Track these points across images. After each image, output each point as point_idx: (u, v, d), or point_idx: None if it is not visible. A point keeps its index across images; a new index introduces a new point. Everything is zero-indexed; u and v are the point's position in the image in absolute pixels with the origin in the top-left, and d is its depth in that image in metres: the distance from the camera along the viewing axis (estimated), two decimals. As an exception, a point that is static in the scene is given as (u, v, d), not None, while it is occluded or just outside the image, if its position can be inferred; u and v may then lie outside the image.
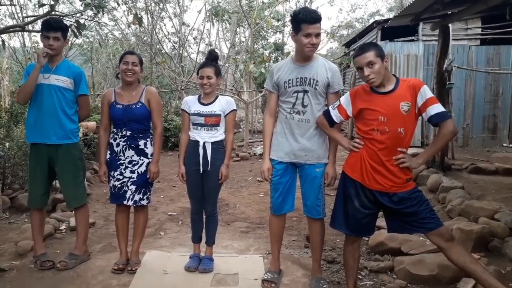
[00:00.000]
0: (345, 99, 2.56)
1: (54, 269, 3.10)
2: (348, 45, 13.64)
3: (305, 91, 2.75)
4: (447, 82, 6.19)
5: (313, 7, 16.43)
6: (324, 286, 2.82)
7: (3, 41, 4.99)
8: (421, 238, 3.52)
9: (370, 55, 2.36)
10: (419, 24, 8.69)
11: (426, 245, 3.31)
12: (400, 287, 2.88)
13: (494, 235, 3.35)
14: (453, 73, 6.67)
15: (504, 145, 8.91)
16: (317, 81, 2.73)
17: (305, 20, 2.62)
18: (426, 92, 2.34)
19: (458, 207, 3.99)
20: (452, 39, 7.02)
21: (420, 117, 2.44)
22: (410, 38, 9.15)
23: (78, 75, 3.18)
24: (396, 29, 8.53)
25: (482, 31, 9.25)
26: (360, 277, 3.04)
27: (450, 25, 6.07)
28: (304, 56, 2.75)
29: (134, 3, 10.41)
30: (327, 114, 2.63)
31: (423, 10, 5.37)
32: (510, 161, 6.60)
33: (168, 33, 12.20)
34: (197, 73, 3.14)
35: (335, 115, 2.58)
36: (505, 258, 3.16)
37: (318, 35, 2.68)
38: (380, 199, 2.42)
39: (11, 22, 8.93)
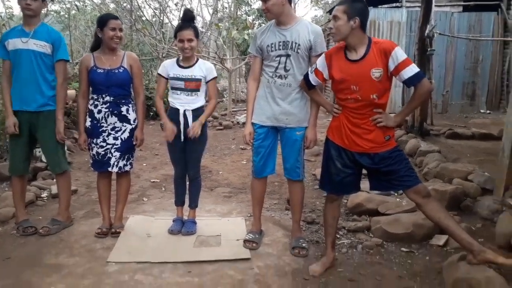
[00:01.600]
0: (320, 62, 2.56)
1: (36, 234, 3.13)
2: (331, 11, 13.47)
3: (288, 55, 2.75)
4: (428, 49, 6.22)
5: (297, -28, 16.09)
6: (304, 244, 2.92)
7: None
8: (397, 199, 3.65)
9: (337, 10, 2.36)
10: (403, -10, 8.64)
11: (402, 205, 3.44)
12: (376, 244, 3.01)
13: (467, 195, 3.48)
14: (434, 40, 6.70)
15: (482, 111, 9.10)
16: (299, 45, 2.72)
17: None
18: (398, 56, 2.30)
19: (434, 169, 4.11)
20: (435, 5, 7.01)
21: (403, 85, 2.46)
22: (394, 4, 9.09)
23: (57, 39, 3.08)
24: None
25: (465, -3, 9.25)
26: (339, 236, 3.15)
27: (432, -10, 6.05)
28: (281, 20, 2.74)
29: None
30: (306, 77, 2.65)
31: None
32: (486, 126, 6.76)
33: (148, -1, 11.83)
34: (175, 36, 3.06)
35: (312, 79, 2.60)
36: (476, 216, 3.31)
37: (264, 0, 2.68)
38: (360, 160, 2.48)
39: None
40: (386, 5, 9.19)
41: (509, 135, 3.28)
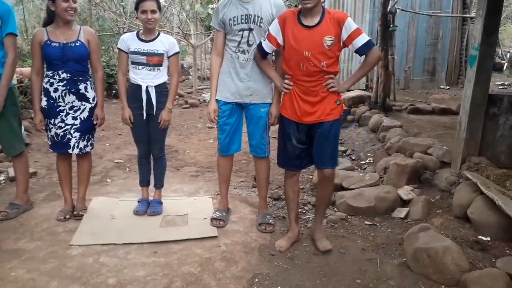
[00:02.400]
0: (274, 27, 2.53)
1: (-6, 219, 3.00)
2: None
3: (250, 29, 2.70)
4: (391, 25, 6.30)
5: None
6: (270, 220, 2.96)
7: None
8: (360, 174, 3.74)
9: None
10: (367, -35, 8.62)
11: (365, 179, 3.54)
12: (340, 218, 3.09)
13: (427, 168, 3.61)
14: (396, 16, 6.78)
15: (442, 87, 9.39)
16: (261, 18, 2.68)
17: None
18: (351, 25, 2.38)
19: (396, 144, 4.24)
20: (398, -19, 7.06)
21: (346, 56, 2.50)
22: (357, -21, 9.08)
23: (6, 11, 2.85)
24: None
25: (426, -27, 9.36)
26: (304, 211, 3.22)
27: (395, -35, 6.08)
28: None
29: None
30: (259, 46, 2.61)
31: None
32: (445, 101, 7.00)
33: (107, -30, 11.25)
34: (136, 9, 2.93)
35: (266, 45, 2.56)
36: (435, 189, 3.45)
37: None
38: (311, 132, 2.53)
39: None
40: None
41: (465, 110, 3.40)
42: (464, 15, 9.21)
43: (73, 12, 2.85)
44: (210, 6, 8.77)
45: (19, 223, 2.97)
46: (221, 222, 2.96)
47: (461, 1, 9.26)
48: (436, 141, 4.08)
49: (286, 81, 2.56)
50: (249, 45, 2.73)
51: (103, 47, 10.87)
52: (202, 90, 10.21)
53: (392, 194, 3.26)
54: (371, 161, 4.31)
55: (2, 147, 3.21)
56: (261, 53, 2.62)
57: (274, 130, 2.88)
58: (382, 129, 4.91)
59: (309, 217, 3.12)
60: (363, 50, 2.41)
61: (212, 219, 2.98)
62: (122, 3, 10.18)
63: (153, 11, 2.85)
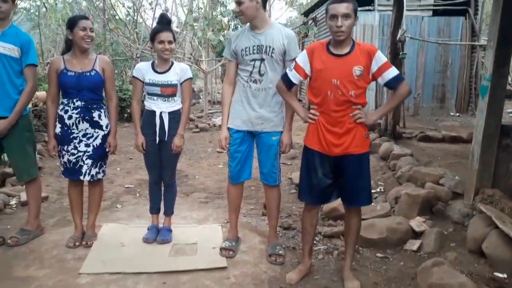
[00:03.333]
0: (302, 57, 2.53)
1: (5, 245, 3.00)
2: (306, 14, 13.57)
3: (262, 59, 2.75)
4: (400, 52, 6.36)
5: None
6: (280, 251, 2.92)
7: None
8: (372, 204, 3.70)
9: (348, 7, 2.32)
10: (376, -6, 8.79)
11: (376, 210, 3.50)
12: (352, 250, 3.03)
13: (439, 199, 3.56)
14: (406, 44, 6.84)
15: (451, 114, 9.36)
16: (273, 49, 2.73)
17: None
18: (381, 58, 2.40)
19: (407, 173, 4.20)
20: (406, 10, 7.15)
21: (374, 85, 2.53)
22: (366, 7, 9.23)
23: (26, 42, 2.95)
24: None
25: (434, 2, 9.49)
26: (315, 242, 3.17)
27: (404, -5, 6.17)
28: (255, 24, 2.76)
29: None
30: (285, 76, 2.60)
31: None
32: (456, 129, 6.97)
33: (122, -3, 11.59)
34: (152, 39, 3.00)
35: (292, 76, 2.55)
36: (448, 220, 3.39)
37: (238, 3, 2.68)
38: (340, 165, 2.48)
39: None
40: (359, 8, 9.32)
41: (478, 140, 3.37)
42: (473, 43, 9.26)
43: (90, 40, 2.93)
44: (221, 33, 8.95)
45: (29, 250, 2.97)
46: (231, 252, 2.93)
47: (470, 29, 9.34)
48: (447, 171, 4.04)
49: (312, 111, 2.53)
50: (261, 75, 2.78)
51: (116, 71, 11.09)
52: (213, 114, 10.31)
53: (404, 225, 3.21)
54: (382, 190, 4.27)
55: (15, 172, 3.26)
56: (287, 84, 2.60)
57: (284, 156, 2.88)
58: (393, 157, 4.88)
59: (320, 249, 3.08)
60: (393, 83, 2.42)
61: (222, 248, 2.96)
62: (135, 30, 10.43)
63: (170, 42, 2.93)
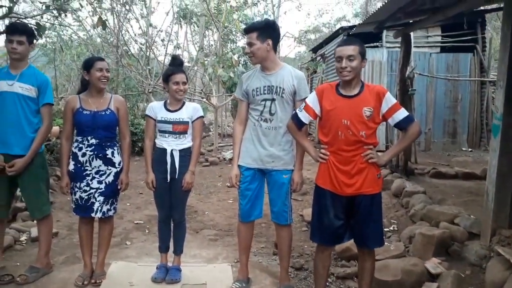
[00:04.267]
0: (312, 98, 2.58)
1: (13, 283, 2.97)
2: (315, 50, 13.84)
3: (273, 99, 2.80)
4: (409, 89, 6.41)
5: (281, 12, 16.64)
6: (292, 294, 2.85)
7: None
8: (386, 243, 3.62)
9: (354, 49, 2.41)
10: (383, 31, 8.95)
11: (390, 250, 3.42)
12: (365, 292, 2.94)
13: (454, 239, 3.48)
14: (415, 80, 6.91)
15: (463, 149, 9.29)
16: (283, 89, 2.78)
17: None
18: (391, 99, 2.44)
19: (421, 211, 4.13)
20: (414, 47, 7.27)
21: (384, 122, 2.55)
22: (374, 44, 9.40)
23: (44, 83, 3.04)
24: (361, 35, 8.71)
25: (442, 39, 9.63)
26: (327, 283, 3.09)
27: (411, 33, 6.28)
28: (266, 65, 2.83)
29: (100, 4, 10.14)
30: (295, 116, 2.65)
31: (386, 18, 5.54)
32: (469, 165, 6.89)
33: (135, 35, 11.97)
34: (166, 80, 3.08)
35: (303, 116, 2.60)
36: (465, 262, 3.30)
37: (250, 44, 2.78)
38: (352, 204, 2.47)
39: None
40: (366, 45, 9.48)
41: (492, 180, 3.33)
42: (482, 79, 9.31)
43: (106, 80, 3.02)
44: (231, 69, 9.14)
45: (38, 288, 2.94)
46: (241, 294, 2.86)
47: (479, 65, 9.41)
48: (462, 209, 3.97)
49: (322, 150, 2.55)
50: (271, 114, 2.81)
51: (128, 105, 11.30)
52: (222, 148, 10.36)
53: (419, 267, 3.12)
54: (395, 229, 4.19)
55: (28, 209, 3.28)
56: (297, 124, 2.65)
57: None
58: (405, 194, 4.82)
59: (333, 290, 3.00)
60: (404, 124, 2.44)
61: (232, 289, 2.89)
62: (148, 66, 10.69)
63: (184, 83, 3.02)
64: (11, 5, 4.18)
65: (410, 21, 5.88)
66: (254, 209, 2.92)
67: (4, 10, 4.58)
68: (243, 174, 2.90)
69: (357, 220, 2.48)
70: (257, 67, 2.95)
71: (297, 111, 2.65)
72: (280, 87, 2.78)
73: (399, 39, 6.37)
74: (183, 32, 14.25)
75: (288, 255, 2.99)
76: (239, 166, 2.92)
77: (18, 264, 3.36)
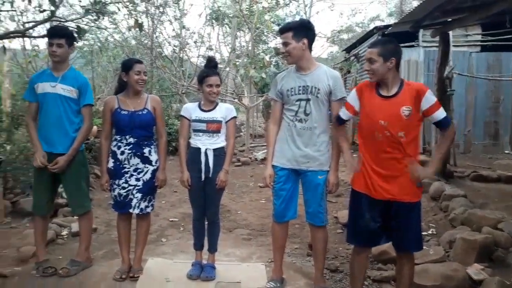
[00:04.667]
0: (351, 96, 2.61)
1: (56, 276, 3.08)
2: (348, 50, 13.64)
3: (308, 99, 2.78)
4: (448, 89, 6.20)
5: (313, 12, 16.52)
6: (328, 296, 2.81)
7: (3, 46, 5.01)
8: (424, 247, 3.52)
9: (372, 52, 2.41)
10: (419, 30, 8.70)
11: (429, 254, 3.32)
12: (403, 297, 2.87)
13: (498, 244, 3.34)
14: (453, 80, 6.68)
15: (506, 151, 8.89)
16: (318, 89, 2.76)
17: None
18: (431, 97, 2.40)
19: (461, 215, 3.99)
20: (453, 46, 7.02)
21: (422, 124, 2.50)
22: (410, 43, 9.16)
23: (84, 84, 3.15)
24: (396, 35, 8.51)
25: (482, 37, 9.26)
26: (364, 287, 3.03)
27: (450, 31, 6.08)
28: (301, 65, 2.82)
29: (135, 7, 10.40)
30: (338, 117, 2.69)
31: (423, 17, 5.39)
32: None
33: (169, 37, 12.20)
34: (200, 81, 3.12)
35: (343, 113, 2.64)
36: (510, 269, 3.16)
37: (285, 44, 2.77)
38: (389, 208, 2.42)
39: (11, 24, 8.90)
40: (402, 45, 9.25)
41: (540, 183, 3.17)
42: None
43: (143, 83, 3.09)
44: (263, 70, 9.14)
45: (79, 281, 3.03)
46: (276, 294, 2.85)
47: (523, 64, 8.99)
48: (505, 214, 3.80)
49: (355, 166, 2.56)
50: (306, 114, 2.79)
51: (162, 106, 11.51)
52: (254, 148, 10.39)
53: (461, 272, 3.01)
54: (434, 232, 4.06)
55: (70, 205, 3.41)
56: (338, 121, 2.70)
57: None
58: (444, 197, 4.66)
59: (369, 294, 2.93)
60: (443, 123, 2.42)
61: (267, 289, 2.89)
62: (182, 68, 10.86)
63: (217, 85, 3.05)
64: (54, 9, 4.35)
65: (449, 20, 5.70)
66: (288, 210, 2.90)
67: (45, 14, 4.77)
68: (277, 174, 2.89)
69: (395, 224, 2.44)
70: (292, 67, 2.93)
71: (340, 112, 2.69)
72: (315, 87, 2.76)
73: (437, 38, 6.18)
74: (215, 34, 14.41)
75: (323, 257, 2.95)
76: (273, 166, 2.91)
77: (60, 257, 3.49)
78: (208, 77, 3.05)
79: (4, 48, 4.94)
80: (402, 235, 2.44)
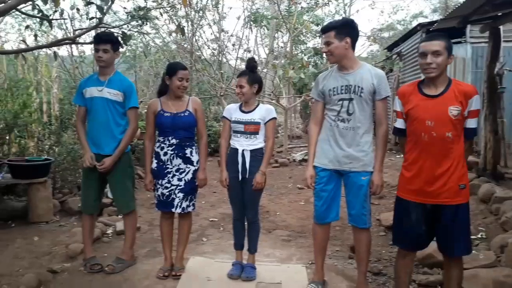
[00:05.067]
0: (396, 104, 2.54)
1: (102, 272, 3.20)
2: (390, 48, 13.29)
3: (350, 99, 2.72)
4: (499, 86, 5.89)
5: (353, 10, 16.25)
6: (371, 299, 2.74)
7: (55, 52, 5.28)
8: (474, 251, 3.35)
9: (439, 44, 2.29)
10: (467, 26, 8.32)
11: (479, 259, 3.16)
12: (452, 303, 2.74)
13: (555, 250, 3.12)
14: (504, 77, 6.34)
15: (562, 152, 8.33)
16: (362, 88, 2.69)
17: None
18: (477, 103, 2.31)
19: (514, 219, 3.77)
20: (504, 41, 6.65)
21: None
22: (456, 40, 8.78)
23: (129, 88, 3.25)
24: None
25: (535, 31, 8.73)
26: (409, 291, 2.93)
27: (501, 26, 5.77)
28: (344, 64, 2.76)
29: (176, 11, 10.63)
30: (395, 129, 2.60)
31: (472, 12, 5.14)
32: None
33: (208, 40, 12.39)
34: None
35: (398, 123, 2.55)
36: None
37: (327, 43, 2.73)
38: (436, 212, 2.35)
39: (59, 32, 9.35)
40: (448, 41, 8.89)
41: None
42: None
43: (184, 90, 3.16)
44: (302, 70, 9.08)
45: (124, 278, 3.13)
46: (317, 296, 2.81)
47: None
48: None
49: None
50: (349, 114, 2.73)
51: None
52: (292, 149, 10.34)
53: (514, 279, 2.84)
54: (484, 236, 3.86)
55: (116, 205, 3.53)
56: (399, 133, 2.61)
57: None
58: (495, 200, 4.42)
59: (415, 299, 2.83)
60: (471, 133, 2.34)
61: (308, 291, 2.85)
62: (220, 71, 11.00)
63: (241, 86, 3.08)
64: (101, 16, 4.53)
65: (499, 14, 5.41)
66: (330, 211, 2.85)
67: (92, 21, 4.97)
68: (318, 175, 2.85)
69: (442, 228, 2.36)
70: (334, 67, 2.88)
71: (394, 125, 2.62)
72: (359, 86, 2.70)
73: (486, 34, 5.88)
74: (254, 36, 14.48)
75: (367, 260, 2.88)
76: (314, 167, 2.87)
77: (105, 255, 3.62)
78: (237, 78, 3.13)
79: (55, 54, 5.21)
80: (450, 238, 2.35)
